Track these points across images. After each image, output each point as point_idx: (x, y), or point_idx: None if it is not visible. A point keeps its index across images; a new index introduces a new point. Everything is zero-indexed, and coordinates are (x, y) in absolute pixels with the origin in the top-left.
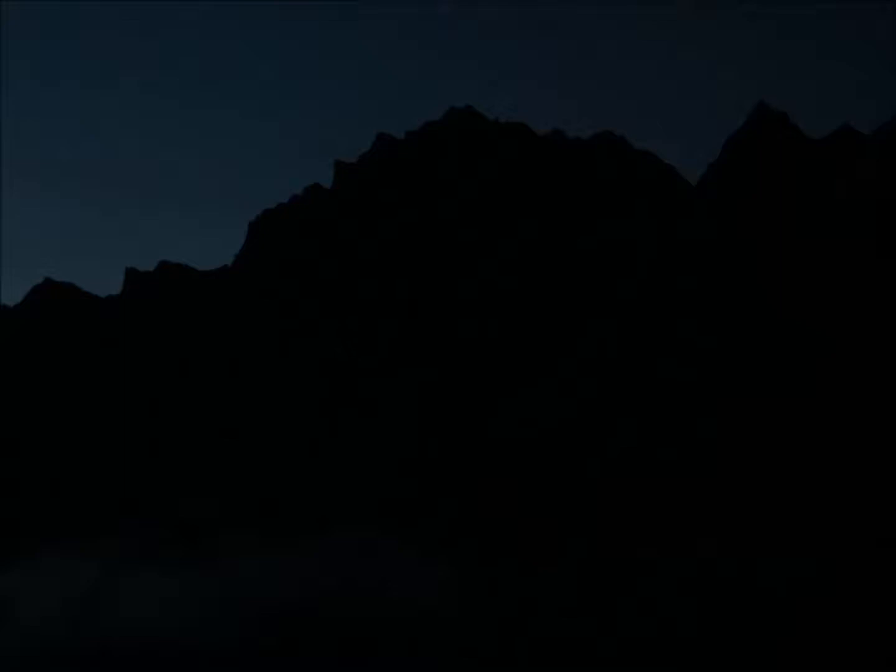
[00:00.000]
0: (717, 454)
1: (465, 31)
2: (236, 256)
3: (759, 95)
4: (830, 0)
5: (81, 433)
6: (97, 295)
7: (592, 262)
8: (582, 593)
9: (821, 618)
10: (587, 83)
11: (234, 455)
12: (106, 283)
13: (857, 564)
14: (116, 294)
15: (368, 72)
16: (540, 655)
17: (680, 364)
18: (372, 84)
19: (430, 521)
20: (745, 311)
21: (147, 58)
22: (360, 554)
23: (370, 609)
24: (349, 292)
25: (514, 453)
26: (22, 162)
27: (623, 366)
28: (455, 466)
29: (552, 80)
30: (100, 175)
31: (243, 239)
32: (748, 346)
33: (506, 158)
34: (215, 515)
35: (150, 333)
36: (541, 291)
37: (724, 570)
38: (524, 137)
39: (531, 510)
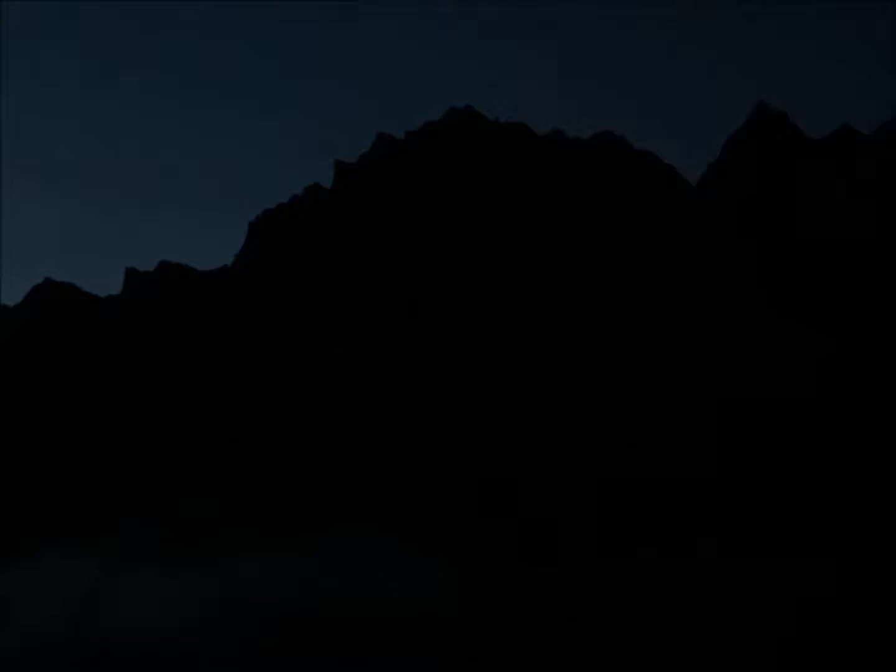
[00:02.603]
0: (717, 454)
1: (465, 31)
2: (236, 256)
3: (759, 95)
4: (830, 0)
5: (81, 433)
6: (97, 295)
7: (592, 262)
8: (582, 593)
9: (821, 618)
10: (587, 83)
11: (234, 455)
12: (106, 283)
13: (857, 564)
14: (116, 294)
15: (368, 72)
16: (540, 655)
17: (680, 364)
18: (372, 84)
19: (430, 521)
20: (745, 311)
21: (147, 58)
22: (360, 554)
23: (370, 609)
24: (349, 292)
25: (514, 453)
26: (22, 162)
27: (623, 366)
28: (455, 466)
29: (552, 80)
30: (100, 175)
31: (243, 239)
32: (748, 346)
33: (506, 158)
34: (215, 515)
35: (150, 333)
36: (541, 291)
37: (724, 570)
38: (524, 137)
39: (531, 510)
